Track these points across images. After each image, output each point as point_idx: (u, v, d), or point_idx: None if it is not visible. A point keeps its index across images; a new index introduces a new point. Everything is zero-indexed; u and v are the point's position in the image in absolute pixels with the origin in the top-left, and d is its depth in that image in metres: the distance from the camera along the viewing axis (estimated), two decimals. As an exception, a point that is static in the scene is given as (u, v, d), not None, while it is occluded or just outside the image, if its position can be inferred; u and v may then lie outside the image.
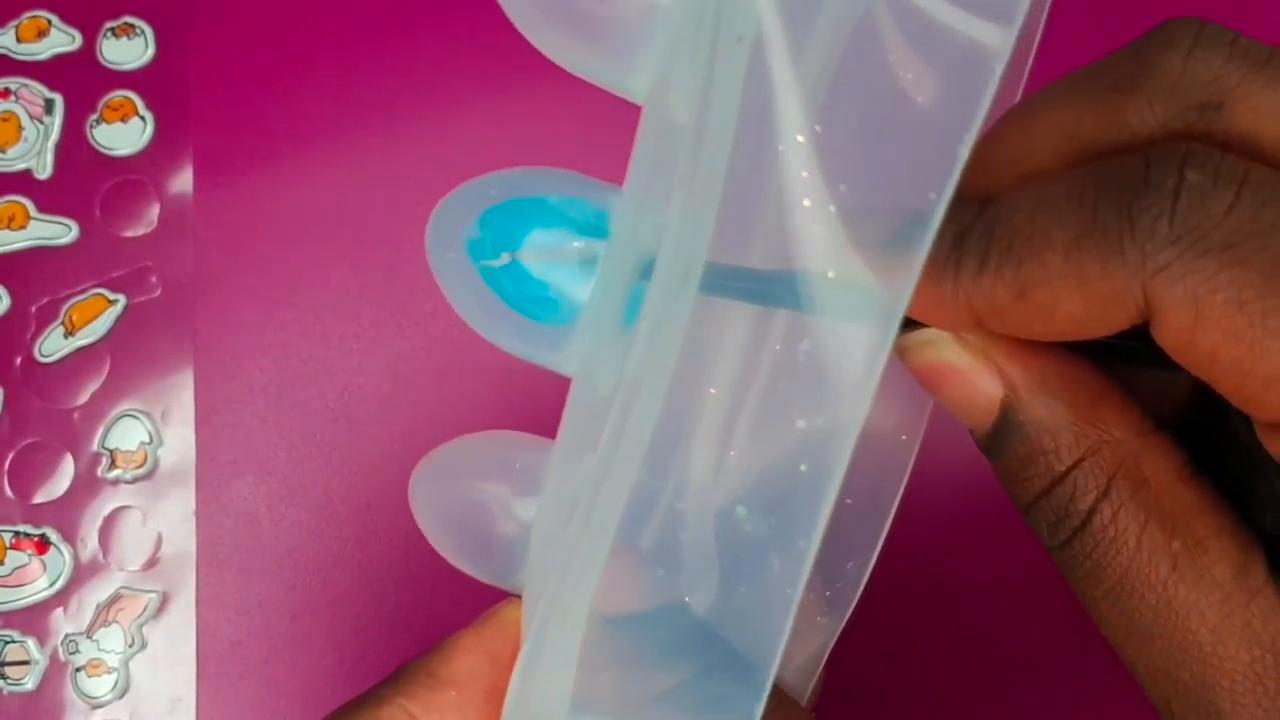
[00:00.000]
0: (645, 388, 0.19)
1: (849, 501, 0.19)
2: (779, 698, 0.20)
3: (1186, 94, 0.17)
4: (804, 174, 0.18)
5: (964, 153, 0.17)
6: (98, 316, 0.37)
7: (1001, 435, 0.20)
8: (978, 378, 0.20)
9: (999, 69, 0.17)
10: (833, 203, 0.18)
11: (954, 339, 0.20)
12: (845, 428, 0.18)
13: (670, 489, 0.21)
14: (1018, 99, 0.21)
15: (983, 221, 0.18)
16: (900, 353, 0.21)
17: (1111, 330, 0.18)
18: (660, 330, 0.19)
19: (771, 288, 0.19)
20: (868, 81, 0.19)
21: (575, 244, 0.22)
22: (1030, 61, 0.21)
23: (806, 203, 0.18)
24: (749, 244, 0.19)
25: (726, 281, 0.19)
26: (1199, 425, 0.20)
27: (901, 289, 0.17)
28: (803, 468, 0.18)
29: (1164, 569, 0.18)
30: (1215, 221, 0.16)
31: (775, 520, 0.20)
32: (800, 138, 0.18)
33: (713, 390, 0.20)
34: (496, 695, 0.22)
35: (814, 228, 0.18)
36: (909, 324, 0.21)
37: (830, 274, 0.18)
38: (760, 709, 0.18)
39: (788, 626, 0.18)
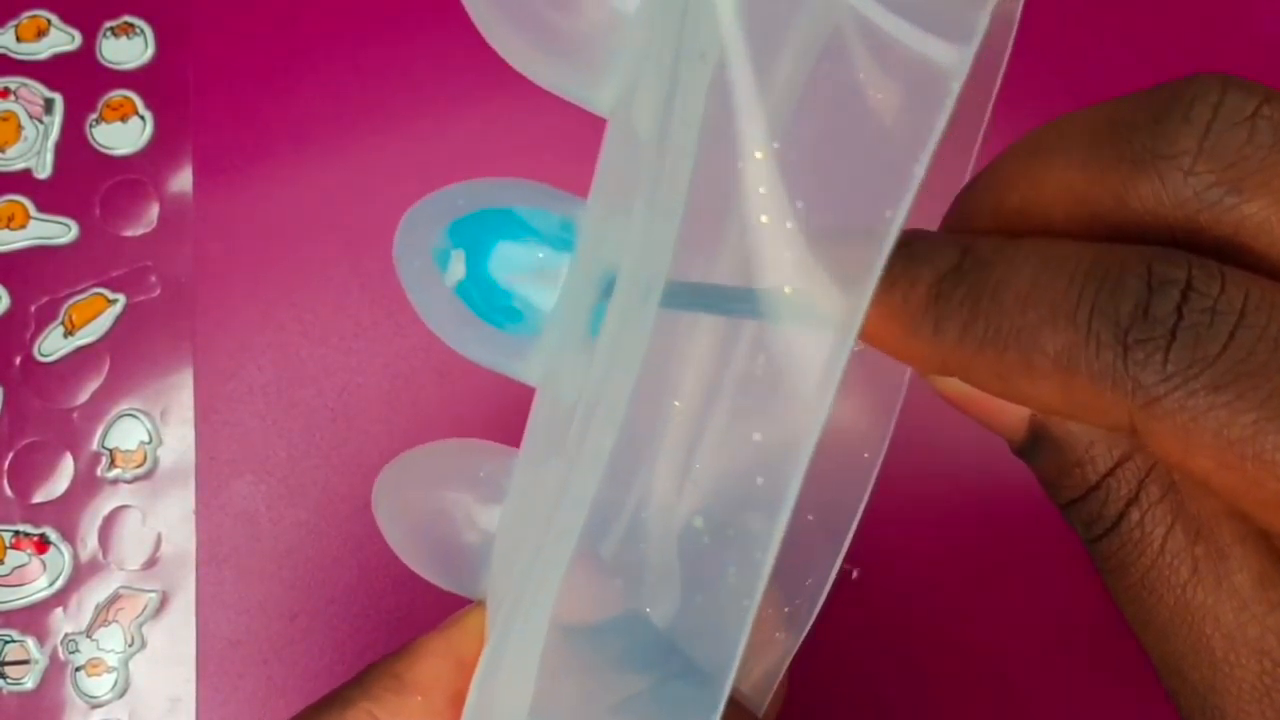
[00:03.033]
0: (606, 402, 0.19)
1: (810, 518, 0.20)
2: (737, 711, 0.20)
3: (1202, 177, 0.17)
4: (761, 190, 0.18)
5: (919, 171, 0.17)
6: (97, 316, 0.37)
7: (1034, 447, 0.20)
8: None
9: (956, 88, 0.17)
10: (790, 219, 0.18)
11: None
12: (801, 442, 0.17)
13: (633, 500, 0.21)
14: (986, 118, 0.21)
15: (970, 277, 0.18)
16: (930, 380, 0.20)
17: (1092, 427, 0.18)
18: (621, 345, 0.19)
19: (731, 303, 0.19)
20: (829, 100, 0.19)
21: (541, 255, 0.23)
22: (998, 83, 0.21)
23: (764, 219, 0.18)
24: (711, 259, 0.19)
25: (687, 297, 0.19)
26: None
27: (857, 305, 0.17)
28: (759, 480, 0.18)
29: (1185, 572, 0.18)
30: (1208, 362, 0.16)
31: (732, 532, 0.20)
32: (759, 154, 0.18)
33: (676, 403, 0.20)
34: (461, 700, 0.23)
35: (772, 243, 0.18)
36: None
37: (787, 290, 0.18)
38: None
39: (744, 638, 0.18)
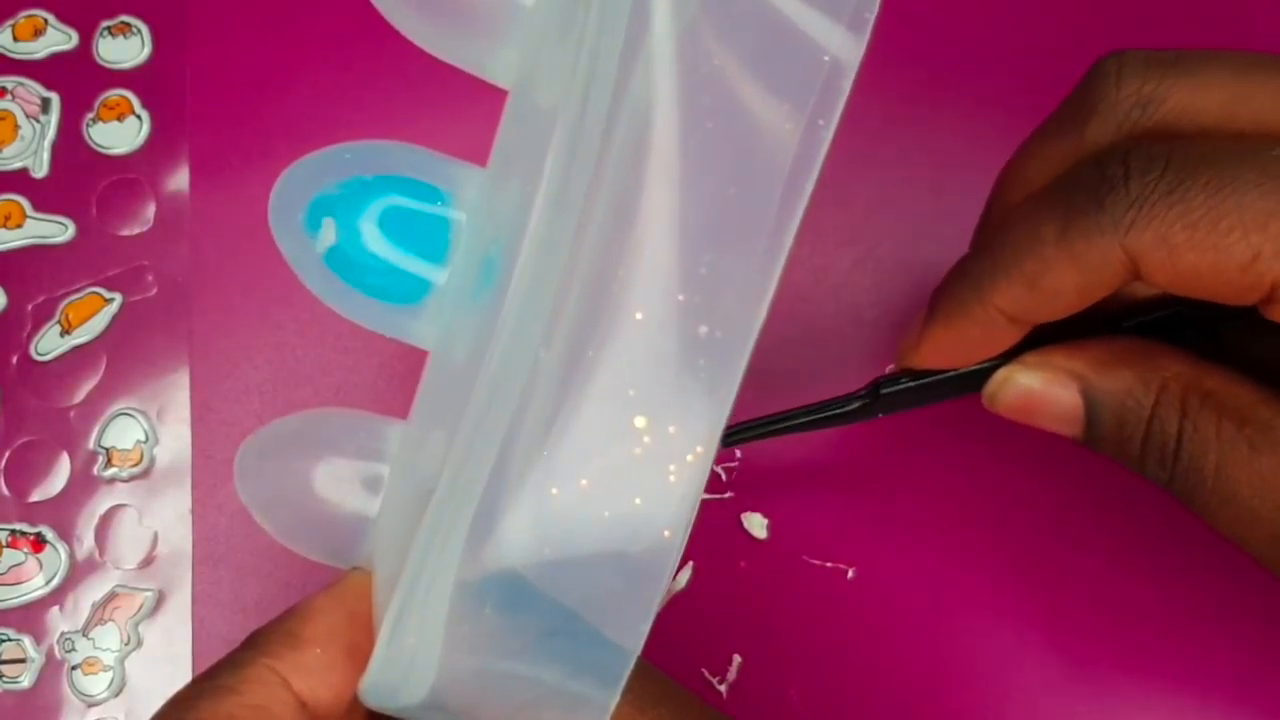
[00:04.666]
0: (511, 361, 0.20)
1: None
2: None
3: (1125, 105, 0.24)
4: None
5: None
6: (94, 315, 0.37)
7: (1094, 420, 0.24)
8: (1055, 390, 0.25)
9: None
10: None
11: (1020, 368, 0.25)
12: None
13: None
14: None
15: (984, 246, 0.24)
16: (989, 402, 0.26)
17: (1110, 289, 0.23)
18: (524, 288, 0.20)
19: None
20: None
21: (420, 222, 0.23)
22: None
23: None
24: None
25: None
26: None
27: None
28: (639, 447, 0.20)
29: (1244, 450, 0.23)
30: (1155, 183, 0.22)
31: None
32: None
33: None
34: (358, 653, 0.23)
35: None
36: (969, 379, 0.26)
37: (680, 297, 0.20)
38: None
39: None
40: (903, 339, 0.27)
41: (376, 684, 0.21)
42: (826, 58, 0.19)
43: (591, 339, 0.19)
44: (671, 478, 0.19)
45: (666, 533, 0.19)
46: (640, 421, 0.19)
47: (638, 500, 0.19)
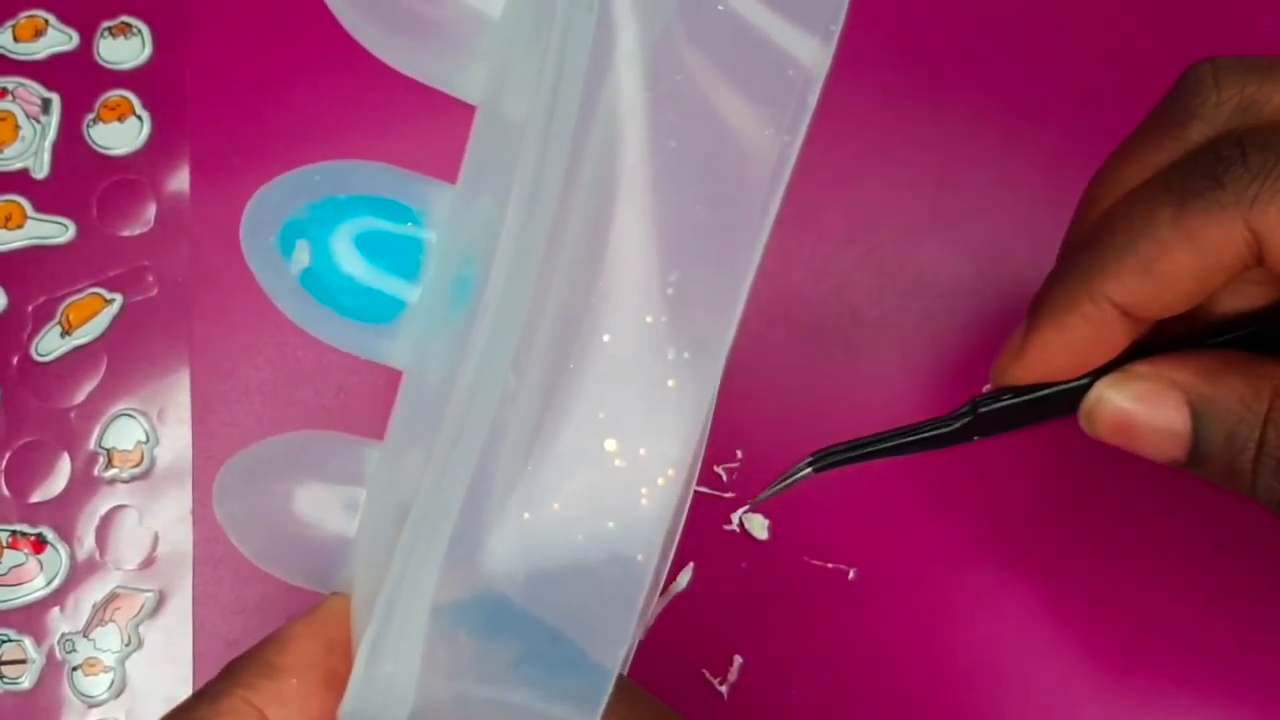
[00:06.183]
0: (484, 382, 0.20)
1: None
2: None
3: (1226, 109, 0.23)
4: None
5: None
6: (95, 316, 0.37)
7: (1201, 435, 0.23)
8: (1158, 406, 0.23)
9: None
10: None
11: (1118, 381, 0.24)
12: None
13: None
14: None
15: (1088, 241, 0.23)
16: (1086, 423, 0.24)
17: (1229, 274, 0.22)
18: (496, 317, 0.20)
19: None
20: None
21: (392, 241, 0.23)
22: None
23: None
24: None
25: None
26: None
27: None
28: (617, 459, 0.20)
29: None
30: (1277, 158, 0.21)
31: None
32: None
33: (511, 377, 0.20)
34: (336, 681, 0.22)
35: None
36: (1074, 394, 0.24)
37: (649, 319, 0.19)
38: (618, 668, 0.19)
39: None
40: (999, 356, 0.25)
41: (354, 711, 0.21)
42: (791, 72, 0.19)
43: (563, 361, 0.19)
44: (644, 501, 0.19)
45: (640, 557, 0.19)
46: (611, 444, 0.19)
47: (610, 524, 0.19)
